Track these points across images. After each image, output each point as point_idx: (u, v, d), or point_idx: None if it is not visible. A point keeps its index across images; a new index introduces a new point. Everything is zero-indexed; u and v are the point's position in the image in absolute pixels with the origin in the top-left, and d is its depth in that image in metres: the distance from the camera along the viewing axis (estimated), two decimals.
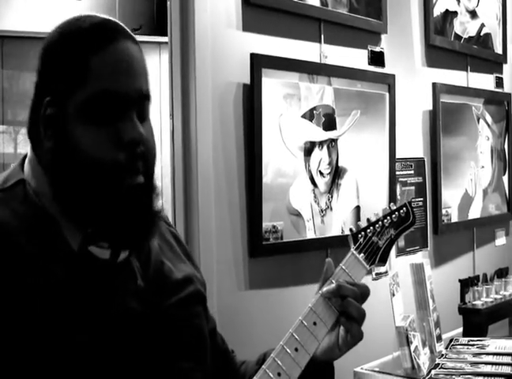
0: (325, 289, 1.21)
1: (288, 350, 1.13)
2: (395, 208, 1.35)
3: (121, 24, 1.08)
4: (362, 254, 1.27)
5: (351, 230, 1.30)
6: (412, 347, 2.22)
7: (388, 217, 1.33)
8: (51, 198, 1.04)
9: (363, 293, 1.21)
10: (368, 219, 1.31)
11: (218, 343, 1.33)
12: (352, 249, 1.27)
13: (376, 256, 1.29)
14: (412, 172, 2.94)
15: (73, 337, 0.97)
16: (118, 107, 1.02)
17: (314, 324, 1.17)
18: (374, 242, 1.29)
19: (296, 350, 1.14)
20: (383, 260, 1.30)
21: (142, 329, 1.06)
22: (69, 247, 1.03)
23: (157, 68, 4.09)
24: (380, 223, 1.31)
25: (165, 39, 2.23)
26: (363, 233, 1.29)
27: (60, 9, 3.95)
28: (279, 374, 1.10)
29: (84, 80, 1.01)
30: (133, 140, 1.02)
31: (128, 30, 1.08)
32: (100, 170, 1.01)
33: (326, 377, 1.27)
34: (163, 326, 1.10)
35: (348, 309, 1.18)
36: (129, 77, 1.03)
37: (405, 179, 2.88)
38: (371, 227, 1.30)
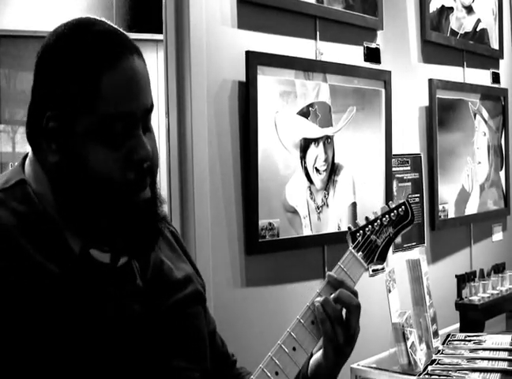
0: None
1: (285, 349, 1.14)
2: (394, 206, 1.36)
3: (126, 34, 1.06)
4: (360, 253, 1.27)
5: (349, 228, 1.30)
6: (409, 343, 2.22)
7: (386, 215, 1.33)
8: (53, 202, 1.04)
9: (348, 305, 1.19)
10: (367, 218, 1.32)
11: (217, 345, 1.33)
12: (350, 248, 1.28)
13: (375, 254, 1.29)
14: (409, 168, 2.94)
15: (69, 338, 0.97)
16: (127, 128, 1.02)
17: (312, 323, 1.18)
18: (372, 240, 1.29)
19: (294, 349, 1.15)
20: (382, 259, 1.31)
21: (139, 330, 1.07)
22: (69, 248, 1.03)
23: (155, 66, 4.06)
24: (379, 221, 1.32)
25: (162, 36, 2.22)
26: (361, 231, 1.29)
27: (57, 7, 3.94)
28: (276, 373, 1.12)
29: (94, 102, 0.99)
30: (142, 159, 1.03)
31: (132, 42, 1.05)
32: (110, 188, 1.01)
33: None
34: (162, 326, 1.11)
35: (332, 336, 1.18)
36: (137, 97, 1.03)
37: (402, 175, 2.88)
38: (370, 226, 1.31)
